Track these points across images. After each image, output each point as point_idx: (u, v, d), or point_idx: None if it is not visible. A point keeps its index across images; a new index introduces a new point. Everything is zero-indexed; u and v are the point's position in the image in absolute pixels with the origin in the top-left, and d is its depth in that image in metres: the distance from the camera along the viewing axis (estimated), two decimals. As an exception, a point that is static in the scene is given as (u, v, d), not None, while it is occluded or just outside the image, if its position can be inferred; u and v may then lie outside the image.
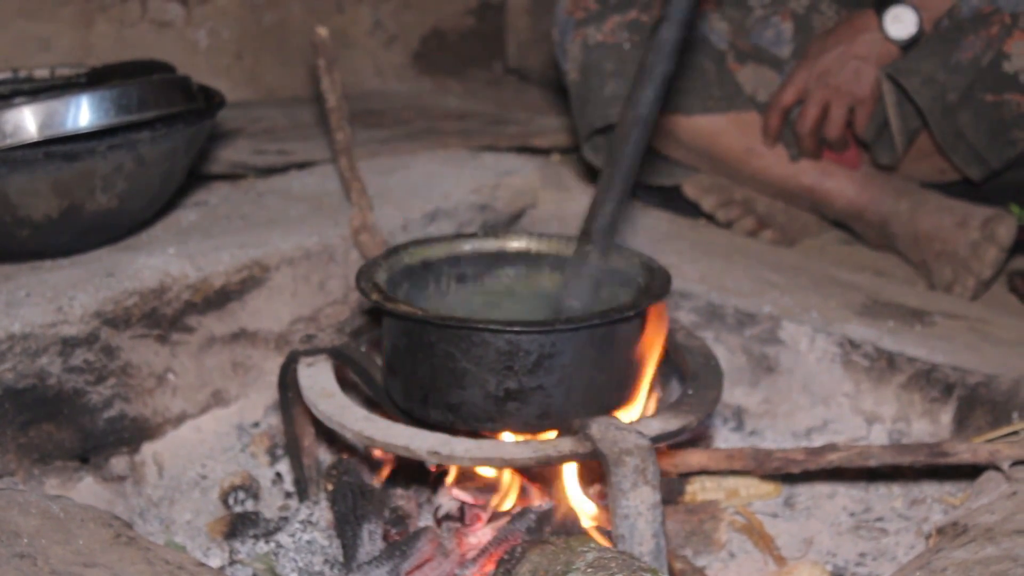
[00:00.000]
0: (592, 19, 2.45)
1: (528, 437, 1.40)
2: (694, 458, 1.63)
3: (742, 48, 2.46)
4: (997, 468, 1.47)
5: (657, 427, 1.37)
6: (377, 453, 1.65)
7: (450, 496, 1.53)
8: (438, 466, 1.57)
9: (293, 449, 1.65)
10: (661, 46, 1.32)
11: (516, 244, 1.63)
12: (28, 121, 1.72)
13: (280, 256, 1.96)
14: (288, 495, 1.76)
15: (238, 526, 1.62)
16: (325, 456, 1.77)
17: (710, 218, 2.53)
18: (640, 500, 1.27)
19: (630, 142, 1.36)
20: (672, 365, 1.65)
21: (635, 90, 1.34)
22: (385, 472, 1.64)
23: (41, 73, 2.16)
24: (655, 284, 1.46)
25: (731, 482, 1.71)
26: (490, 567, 1.38)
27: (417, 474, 1.64)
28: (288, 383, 1.58)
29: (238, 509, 1.72)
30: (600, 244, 1.41)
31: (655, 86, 1.33)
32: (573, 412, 1.38)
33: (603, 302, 1.44)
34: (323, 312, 2.01)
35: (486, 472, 1.52)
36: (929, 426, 1.78)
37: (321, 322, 2.00)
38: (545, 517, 1.41)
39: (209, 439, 1.86)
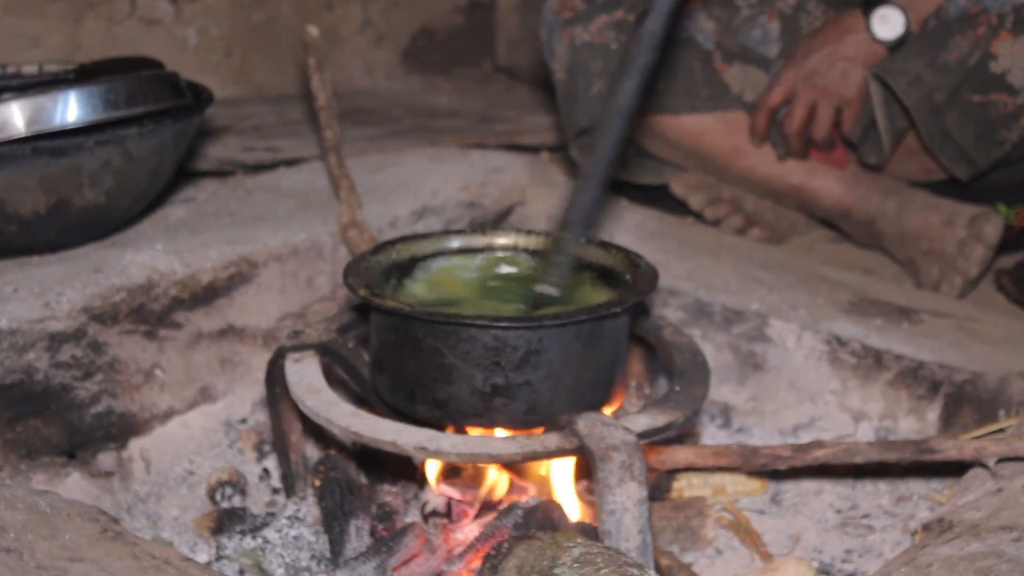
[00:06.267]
0: (579, 19, 2.45)
1: (515, 433, 1.40)
2: (681, 455, 1.63)
3: (729, 48, 2.47)
4: (983, 465, 1.47)
5: (644, 423, 1.37)
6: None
7: (437, 492, 1.53)
8: (424, 462, 1.57)
9: (280, 445, 1.65)
10: (645, 38, 1.33)
11: (504, 240, 1.63)
12: (16, 117, 1.72)
13: (268, 252, 1.96)
14: (275, 491, 1.76)
15: (225, 522, 1.61)
16: (312, 452, 1.77)
17: (698, 216, 2.53)
18: (626, 496, 1.27)
19: (611, 132, 1.37)
20: (660, 362, 1.65)
21: (618, 81, 1.35)
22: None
23: (29, 69, 2.15)
24: (642, 281, 1.46)
25: (718, 479, 1.71)
26: (476, 563, 1.38)
27: (404, 470, 1.64)
28: (275, 379, 1.58)
29: (225, 505, 1.72)
30: (578, 232, 1.41)
31: (638, 77, 1.34)
32: (560, 408, 1.38)
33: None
34: (311, 308, 2.01)
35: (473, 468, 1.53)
36: (916, 423, 1.79)
37: (309, 318, 2.00)
38: (532, 513, 1.41)
39: (196, 435, 1.86)
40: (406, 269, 1.58)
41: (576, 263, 1.47)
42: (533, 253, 1.61)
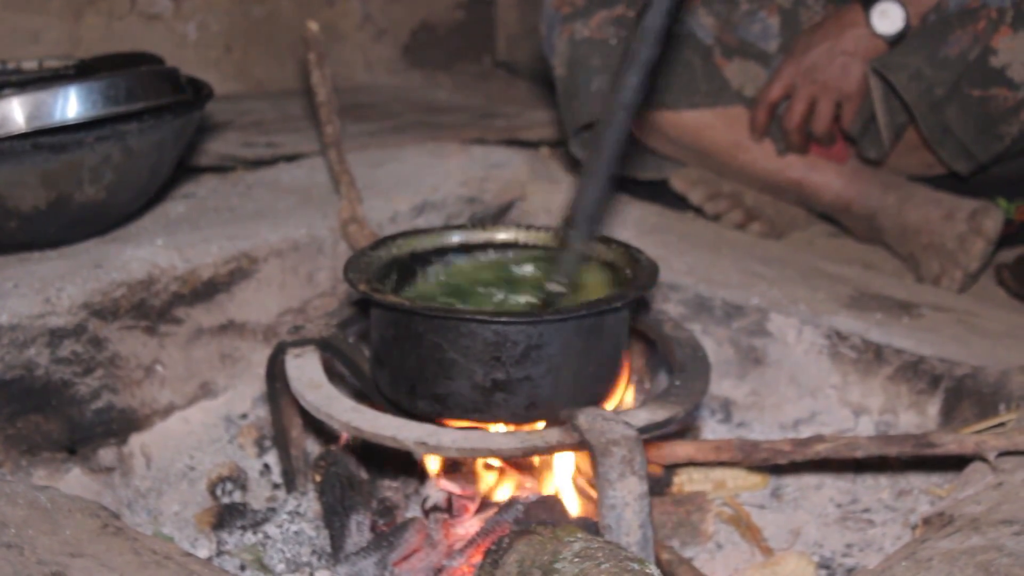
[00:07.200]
0: (579, 14, 2.45)
1: (516, 428, 1.40)
2: (681, 449, 1.63)
3: (728, 43, 2.47)
4: (983, 459, 1.47)
5: (644, 418, 1.37)
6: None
7: (437, 487, 1.53)
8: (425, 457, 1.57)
9: (281, 440, 1.65)
10: (646, 33, 1.33)
11: (504, 236, 1.63)
12: (16, 112, 1.72)
13: (268, 248, 1.96)
14: (276, 486, 1.76)
15: (226, 517, 1.62)
16: (313, 447, 1.77)
17: (698, 211, 2.53)
18: (627, 490, 1.27)
19: (613, 128, 1.36)
20: (660, 357, 1.65)
21: (619, 76, 1.34)
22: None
23: (29, 65, 2.15)
24: (643, 275, 1.46)
25: (718, 473, 1.71)
26: (477, 557, 1.38)
27: (405, 465, 1.64)
28: (276, 374, 1.58)
29: (226, 500, 1.72)
30: (584, 229, 1.41)
31: (639, 72, 1.33)
32: (561, 403, 1.38)
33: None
34: (311, 304, 2.01)
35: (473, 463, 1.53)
36: (916, 418, 1.79)
37: (309, 314, 2.00)
38: (532, 508, 1.41)
39: (197, 430, 1.86)
40: (414, 265, 1.58)
41: (583, 259, 1.46)
42: (535, 249, 1.61)
